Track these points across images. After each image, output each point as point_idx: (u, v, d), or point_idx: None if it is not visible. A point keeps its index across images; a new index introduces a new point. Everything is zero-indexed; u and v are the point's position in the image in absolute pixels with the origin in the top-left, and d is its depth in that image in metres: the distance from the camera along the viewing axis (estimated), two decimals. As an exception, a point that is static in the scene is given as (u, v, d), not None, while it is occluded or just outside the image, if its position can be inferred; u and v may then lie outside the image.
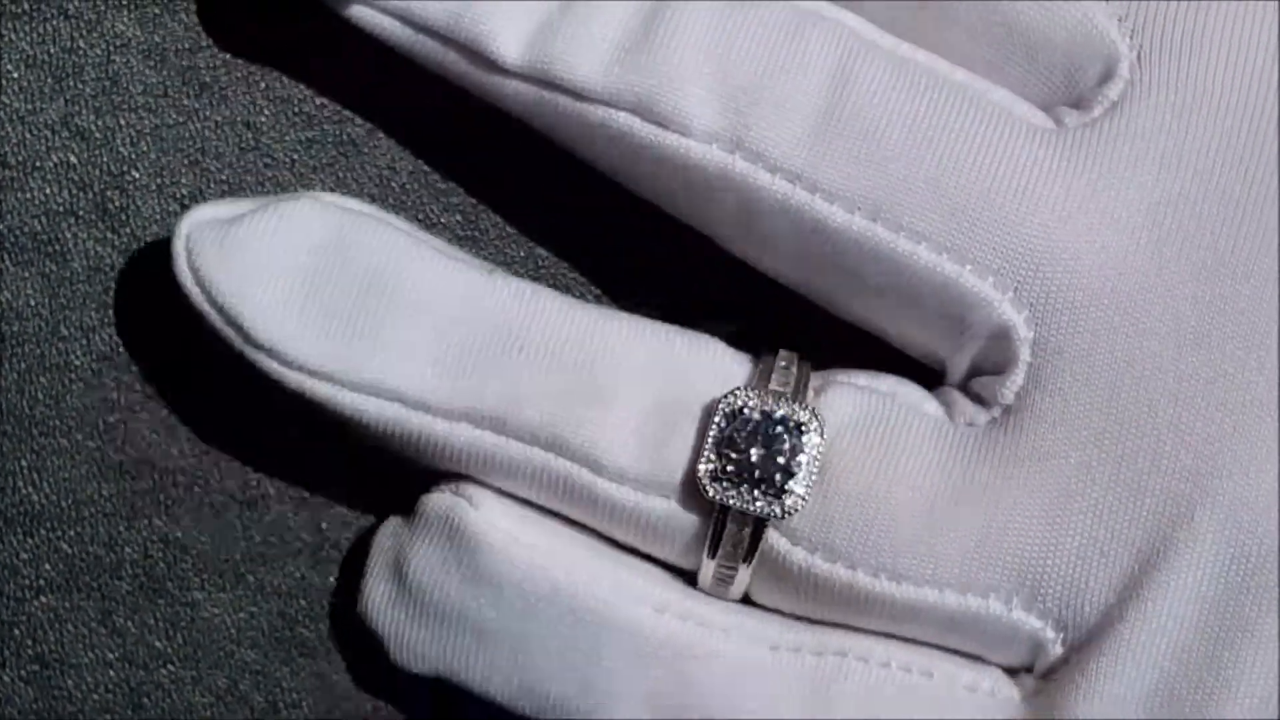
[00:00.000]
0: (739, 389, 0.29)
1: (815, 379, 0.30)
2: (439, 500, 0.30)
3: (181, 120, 0.31)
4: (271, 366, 0.29)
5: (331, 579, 0.32)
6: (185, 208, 0.31)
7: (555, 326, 0.29)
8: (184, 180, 0.31)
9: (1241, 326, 0.28)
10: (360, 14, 0.29)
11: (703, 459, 0.29)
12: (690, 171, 0.29)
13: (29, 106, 0.31)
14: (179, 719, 0.33)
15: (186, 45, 0.31)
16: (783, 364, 0.29)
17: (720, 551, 0.29)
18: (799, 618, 0.30)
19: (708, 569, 0.29)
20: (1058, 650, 0.29)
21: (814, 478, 0.29)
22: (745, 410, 0.29)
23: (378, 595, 0.30)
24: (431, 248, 0.29)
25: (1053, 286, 0.29)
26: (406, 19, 0.29)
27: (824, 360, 0.30)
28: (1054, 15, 0.29)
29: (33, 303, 0.31)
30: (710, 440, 0.29)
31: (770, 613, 0.30)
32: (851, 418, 0.29)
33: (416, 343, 0.29)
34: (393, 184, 0.32)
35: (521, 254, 0.32)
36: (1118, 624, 0.29)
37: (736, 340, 0.30)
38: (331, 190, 0.31)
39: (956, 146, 0.29)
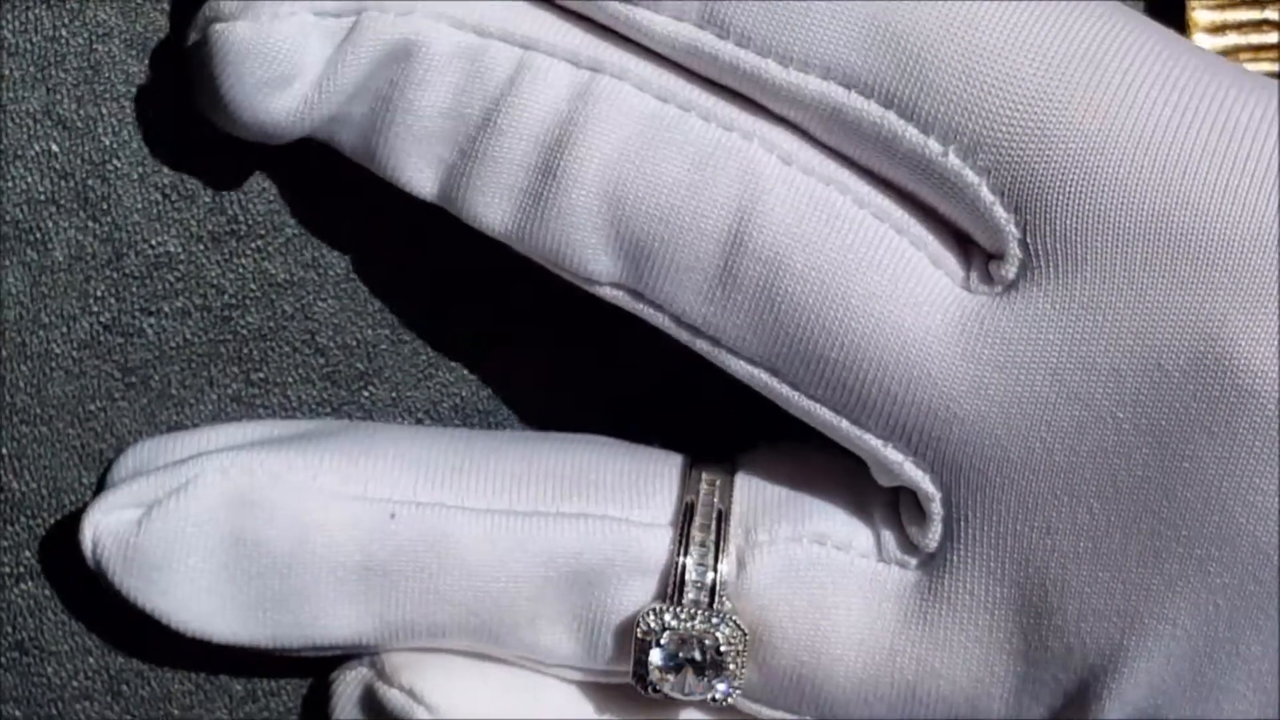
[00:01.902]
0: (653, 611, 0.29)
1: (738, 532, 0.30)
2: (396, 701, 0.31)
3: (164, 110, 0.31)
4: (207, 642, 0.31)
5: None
6: (167, 197, 0.31)
7: (464, 570, 0.30)
8: (165, 170, 0.31)
9: (1138, 544, 0.29)
10: None
11: (634, 675, 0.30)
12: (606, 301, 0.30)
13: (10, 95, 0.31)
14: (158, 706, 0.33)
15: (169, 34, 0.31)
16: (700, 526, 0.30)
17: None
18: None
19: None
20: None
21: (742, 669, 0.30)
22: (663, 636, 0.29)
23: None
24: (330, 495, 0.30)
25: (949, 459, 0.29)
26: (334, 145, 0.30)
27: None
28: (938, 184, 0.28)
29: (14, 291, 0.31)
30: (635, 660, 0.30)
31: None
32: (778, 584, 0.30)
33: (338, 604, 0.30)
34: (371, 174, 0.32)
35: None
36: None
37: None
38: (310, 185, 0.31)
39: (849, 313, 0.28)
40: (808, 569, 0.30)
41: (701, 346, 0.29)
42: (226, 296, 0.32)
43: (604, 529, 0.30)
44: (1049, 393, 0.28)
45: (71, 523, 0.31)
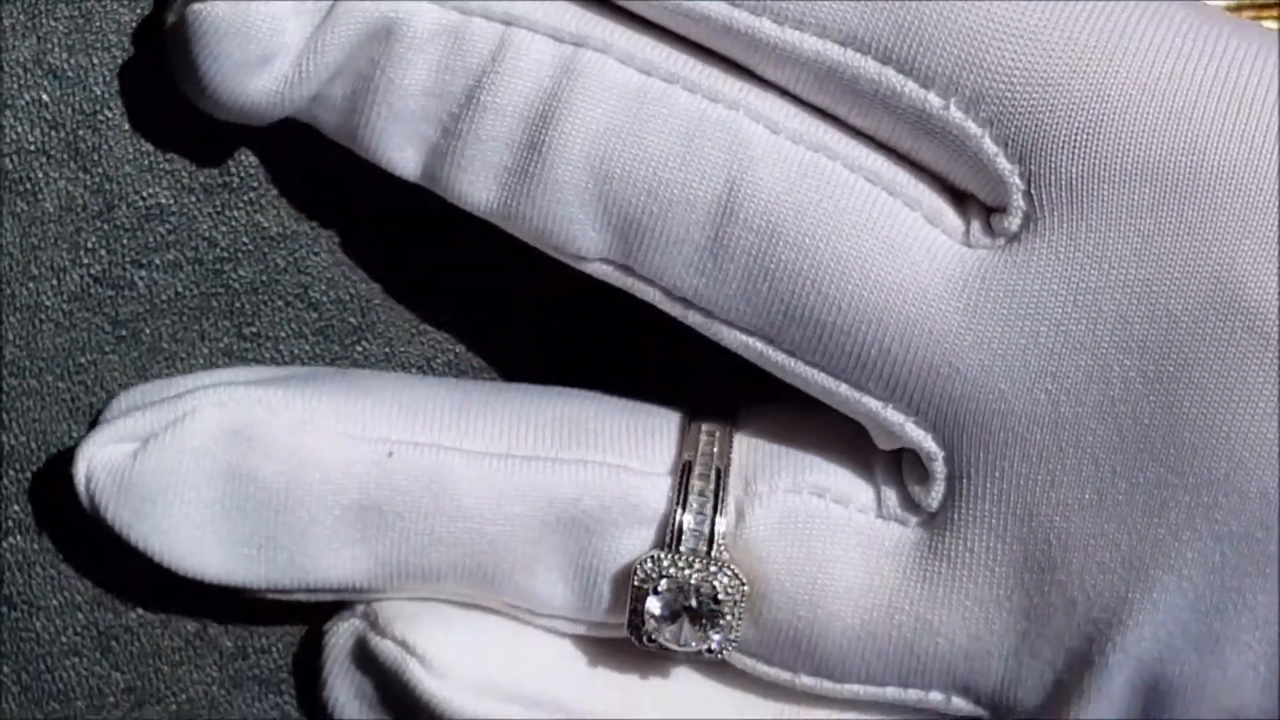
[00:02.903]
0: (651, 558, 0.29)
1: (737, 483, 0.30)
2: (388, 653, 0.30)
3: (155, 60, 0.31)
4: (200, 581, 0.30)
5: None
6: (158, 149, 0.31)
7: (460, 511, 0.29)
8: (157, 120, 0.31)
9: (1145, 494, 0.29)
10: None
11: (629, 625, 0.30)
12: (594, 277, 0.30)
13: (1, 44, 0.31)
14: (147, 662, 0.32)
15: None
16: (700, 475, 0.30)
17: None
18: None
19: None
20: None
21: (739, 621, 0.29)
22: (660, 583, 0.29)
23: (341, 700, 0.31)
24: (327, 432, 0.29)
25: (951, 416, 0.29)
26: (316, 126, 0.30)
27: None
28: (939, 138, 0.28)
29: (3, 242, 0.31)
30: (630, 609, 0.30)
31: (731, 694, 0.31)
32: (777, 535, 0.30)
33: (333, 543, 0.30)
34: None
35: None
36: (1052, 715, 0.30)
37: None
38: (303, 137, 0.31)
39: (845, 276, 0.28)
40: (806, 521, 0.29)
41: (694, 319, 0.29)
42: (218, 249, 0.32)
43: (602, 475, 0.29)
44: (1054, 343, 0.28)
45: (61, 476, 0.31)
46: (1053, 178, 0.28)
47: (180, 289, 0.32)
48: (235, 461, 0.29)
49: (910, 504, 0.30)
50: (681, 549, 0.29)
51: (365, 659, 0.31)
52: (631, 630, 0.29)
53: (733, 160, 0.28)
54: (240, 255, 0.32)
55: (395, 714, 0.31)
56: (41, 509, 0.32)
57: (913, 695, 0.30)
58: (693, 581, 0.29)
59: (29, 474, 0.32)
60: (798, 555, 0.29)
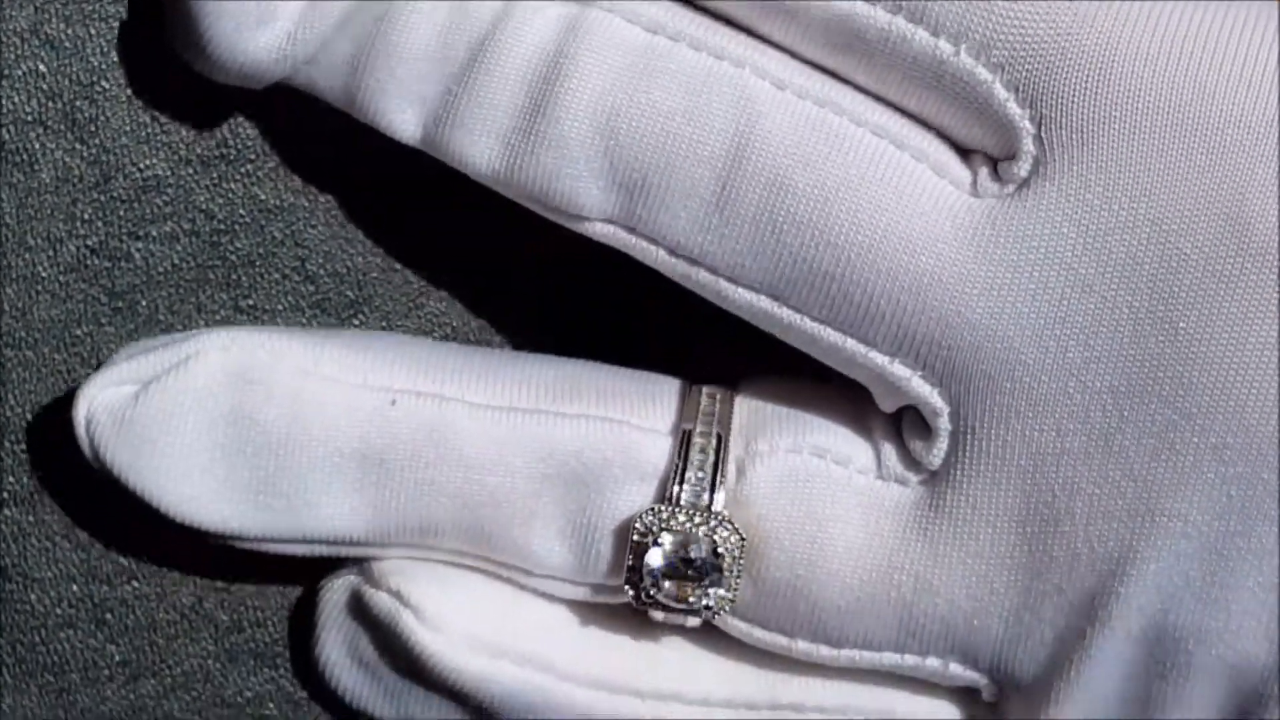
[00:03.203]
0: (651, 511, 0.29)
1: (737, 442, 0.30)
2: (382, 604, 0.30)
3: (153, 31, 0.31)
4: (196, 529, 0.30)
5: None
6: (156, 120, 0.31)
7: (461, 461, 0.29)
8: (154, 92, 0.31)
9: (1152, 437, 0.29)
10: None
11: (626, 586, 0.30)
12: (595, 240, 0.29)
13: (-2, 13, 0.30)
14: (143, 635, 0.32)
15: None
16: (701, 433, 0.30)
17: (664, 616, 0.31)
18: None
19: (657, 616, 0.30)
20: (995, 693, 0.31)
21: (737, 578, 0.29)
22: (660, 539, 0.29)
23: (333, 657, 0.31)
24: (330, 380, 0.29)
25: (959, 367, 0.29)
26: (313, 91, 0.29)
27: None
28: (948, 86, 0.28)
29: (0, 213, 0.31)
30: (629, 567, 0.29)
31: (724, 665, 0.31)
32: (777, 493, 0.30)
33: (332, 491, 0.29)
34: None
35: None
36: (1053, 680, 0.30)
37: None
38: (301, 109, 0.31)
39: (855, 227, 0.28)
40: (806, 480, 0.30)
41: (699, 278, 0.29)
42: (215, 221, 0.31)
43: (604, 429, 0.29)
44: (1064, 287, 0.28)
45: (57, 448, 0.31)
46: (1064, 121, 0.28)
47: (177, 261, 0.31)
48: (237, 405, 0.29)
49: (911, 463, 0.30)
50: (682, 503, 0.29)
51: (359, 611, 0.31)
52: (630, 585, 0.29)
53: (740, 114, 0.28)
54: (237, 227, 0.32)
55: (388, 668, 0.31)
56: (37, 481, 0.32)
57: (910, 661, 0.30)
58: (693, 536, 0.29)
59: (24, 445, 0.32)
60: (797, 514, 0.29)
